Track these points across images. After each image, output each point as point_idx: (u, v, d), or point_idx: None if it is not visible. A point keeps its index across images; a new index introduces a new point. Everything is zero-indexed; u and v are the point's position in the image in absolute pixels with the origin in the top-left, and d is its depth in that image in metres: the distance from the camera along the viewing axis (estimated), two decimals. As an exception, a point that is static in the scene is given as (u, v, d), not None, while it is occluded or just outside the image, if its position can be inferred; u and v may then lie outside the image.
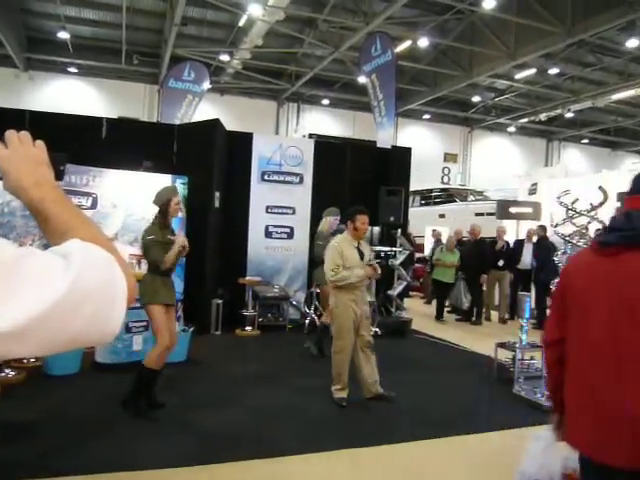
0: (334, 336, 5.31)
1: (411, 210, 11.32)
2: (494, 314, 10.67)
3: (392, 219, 9.05)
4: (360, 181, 9.49)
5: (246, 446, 4.10)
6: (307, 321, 8.49)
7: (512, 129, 26.73)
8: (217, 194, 8.27)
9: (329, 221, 7.18)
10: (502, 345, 6.42)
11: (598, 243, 1.94)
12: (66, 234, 0.85)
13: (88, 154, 7.40)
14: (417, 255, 14.76)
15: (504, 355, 6.42)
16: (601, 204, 5.69)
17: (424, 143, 24.42)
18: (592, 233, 6.03)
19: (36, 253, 0.75)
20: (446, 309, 10.73)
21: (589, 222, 5.75)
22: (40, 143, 1.00)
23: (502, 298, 10.63)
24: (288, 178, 9.21)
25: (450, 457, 4.18)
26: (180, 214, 5.31)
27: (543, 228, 10.54)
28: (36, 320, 0.70)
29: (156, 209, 4.85)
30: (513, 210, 12.76)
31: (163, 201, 4.79)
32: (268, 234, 9.08)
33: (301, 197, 9.21)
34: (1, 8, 14.62)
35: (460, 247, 11.18)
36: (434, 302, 11.08)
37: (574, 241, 5.74)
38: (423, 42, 16.74)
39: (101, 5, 16.65)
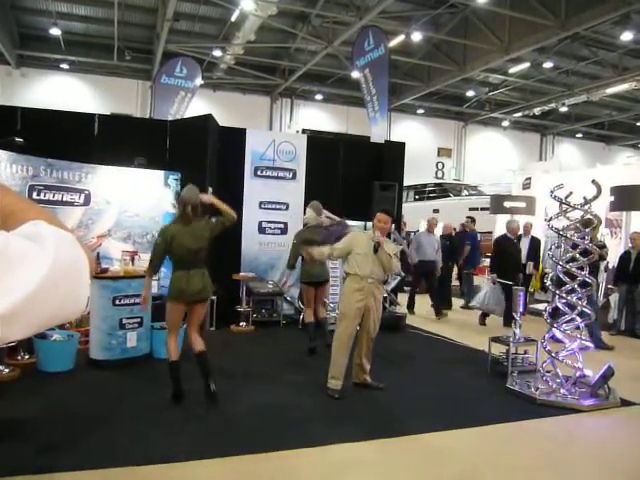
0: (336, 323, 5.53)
1: (405, 205, 11.29)
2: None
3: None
4: (354, 176, 9.46)
5: (241, 441, 4.08)
6: (301, 317, 8.51)
7: (506, 123, 26.77)
8: (210, 190, 8.23)
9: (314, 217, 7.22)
10: (496, 339, 6.45)
11: None
12: (13, 215, 0.84)
13: (80, 151, 7.39)
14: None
15: (498, 349, 6.44)
16: (594, 198, 5.69)
17: (418, 138, 24.42)
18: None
19: (9, 236, 0.74)
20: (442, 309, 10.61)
21: (582, 216, 5.75)
22: None
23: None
24: (281, 174, 9.18)
25: (442, 450, 4.18)
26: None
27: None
28: (25, 301, 0.71)
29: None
30: (507, 204, 12.79)
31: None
32: (262, 230, 9.06)
33: (294, 193, 9.18)
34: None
35: (448, 242, 11.15)
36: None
37: (568, 235, 5.75)
38: (416, 36, 16.71)
39: (93, 1, 16.58)
